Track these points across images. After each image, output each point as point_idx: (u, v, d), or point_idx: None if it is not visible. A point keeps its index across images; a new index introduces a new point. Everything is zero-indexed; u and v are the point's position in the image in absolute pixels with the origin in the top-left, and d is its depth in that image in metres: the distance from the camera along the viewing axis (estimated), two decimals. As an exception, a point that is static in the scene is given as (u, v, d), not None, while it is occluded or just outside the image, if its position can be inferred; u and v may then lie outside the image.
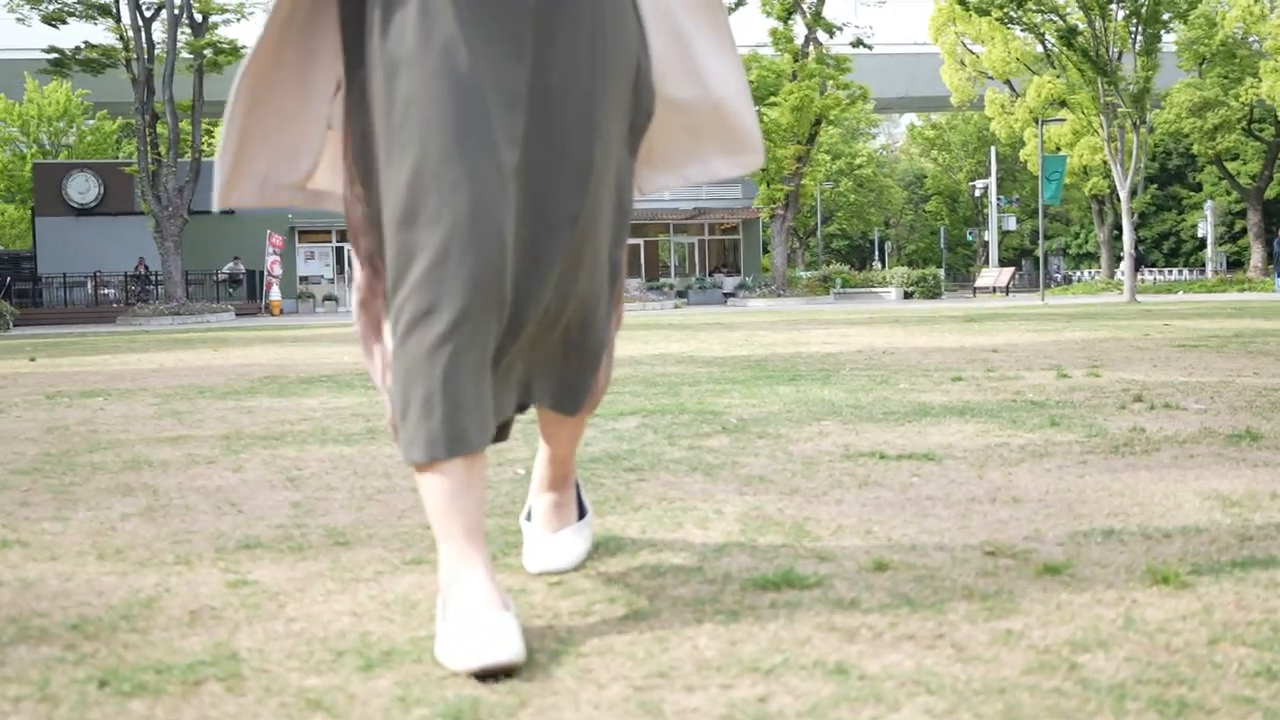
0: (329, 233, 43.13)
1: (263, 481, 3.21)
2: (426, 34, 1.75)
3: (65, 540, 2.50)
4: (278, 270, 38.97)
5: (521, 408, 1.98)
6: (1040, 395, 5.01)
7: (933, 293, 41.51)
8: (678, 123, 2.04)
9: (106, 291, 40.02)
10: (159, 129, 35.22)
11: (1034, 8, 29.80)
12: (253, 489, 3.09)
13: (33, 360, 11.00)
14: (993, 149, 57.35)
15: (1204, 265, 55.49)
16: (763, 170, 38.95)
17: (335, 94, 1.98)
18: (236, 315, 35.92)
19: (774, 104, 38.08)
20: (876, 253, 75.04)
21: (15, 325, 30.75)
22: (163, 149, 35.22)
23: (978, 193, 64.86)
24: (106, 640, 1.75)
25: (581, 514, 2.23)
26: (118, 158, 54.30)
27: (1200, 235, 57.80)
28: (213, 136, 54.94)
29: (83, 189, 41.73)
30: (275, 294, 38.49)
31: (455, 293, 1.69)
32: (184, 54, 34.85)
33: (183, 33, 34.93)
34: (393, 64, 1.77)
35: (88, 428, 4.68)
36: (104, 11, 35.22)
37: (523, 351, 1.88)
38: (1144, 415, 4.21)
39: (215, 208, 2.00)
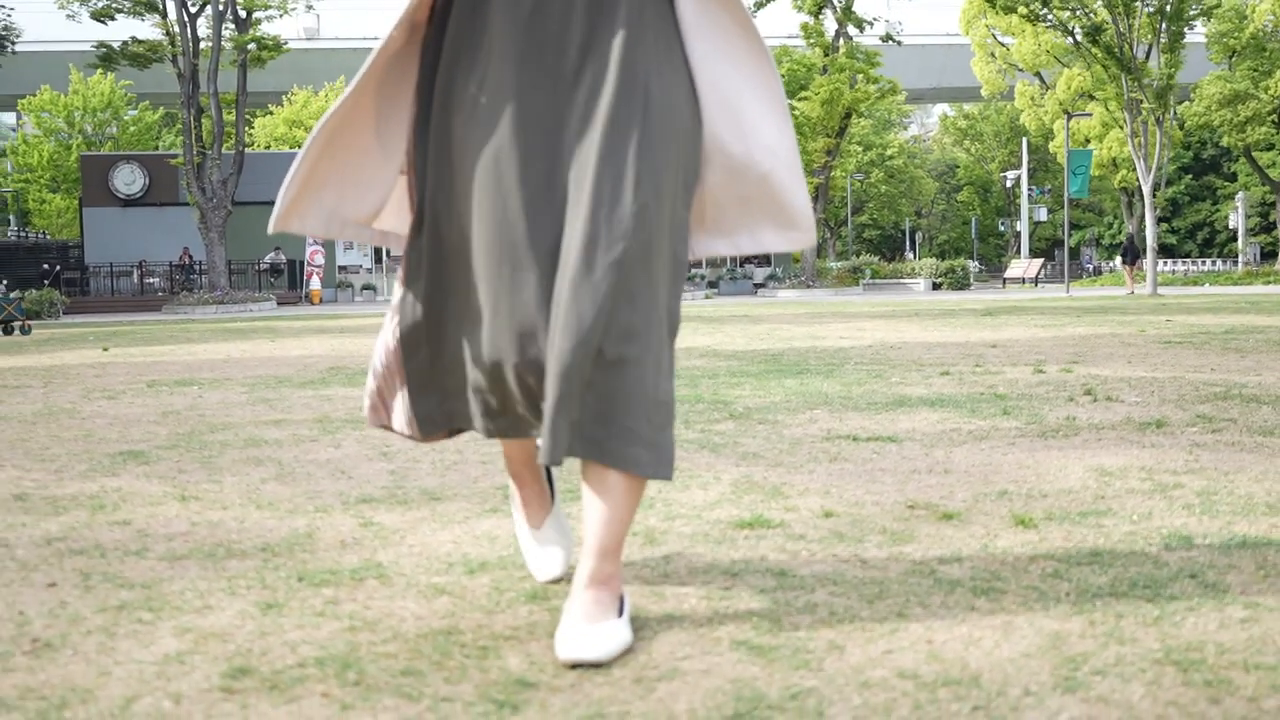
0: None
1: (360, 455, 4.04)
2: (487, 97, 1.97)
3: (226, 496, 3.33)
4: (318, 260, 40.00)
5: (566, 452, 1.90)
6: (1008, 389, 5.80)
7: (961, 284, 42.12)
8: (728, 190, 2.09)
9: (152, 280, 41.20)
10: (204, 122, 36.31)
11: (1059, 4, 30.38)
12: (355, 460, 3.92)
13: (105, 350, 11.90)
14: (1024, 140, 57.74)
15: (1236, 256, 55.80)
16: (793, 163, 39.64)
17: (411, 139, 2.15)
18: (278, 304, 36.95)
19: (804, 98, 38.75)
20: (908, 242, 75.58)
21: (65, 313, 31.87)
22: (207, 141, 36.29)
23: (1009, 183, 65.23)
24: (288, 557, 2.57)
25: (621, 609, 1.98)
26: (160, 149, 55.56)
27: (1232, 226, 58.09)
28: (253, 129, 56.13)
29: (129, 180, 42.84)
30: (315, 284, 39.53)
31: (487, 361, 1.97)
32: (228, 48, 35.85)
33: (227, 28, 35.90)
34: (449, 128, 2.00)
35: (196, 413, 5.54)
36: (150, 7, 36.23)
37: (580, 385, 1.86)
38: (1084, 407, 4.99)
39: (271, 230, 2.15)
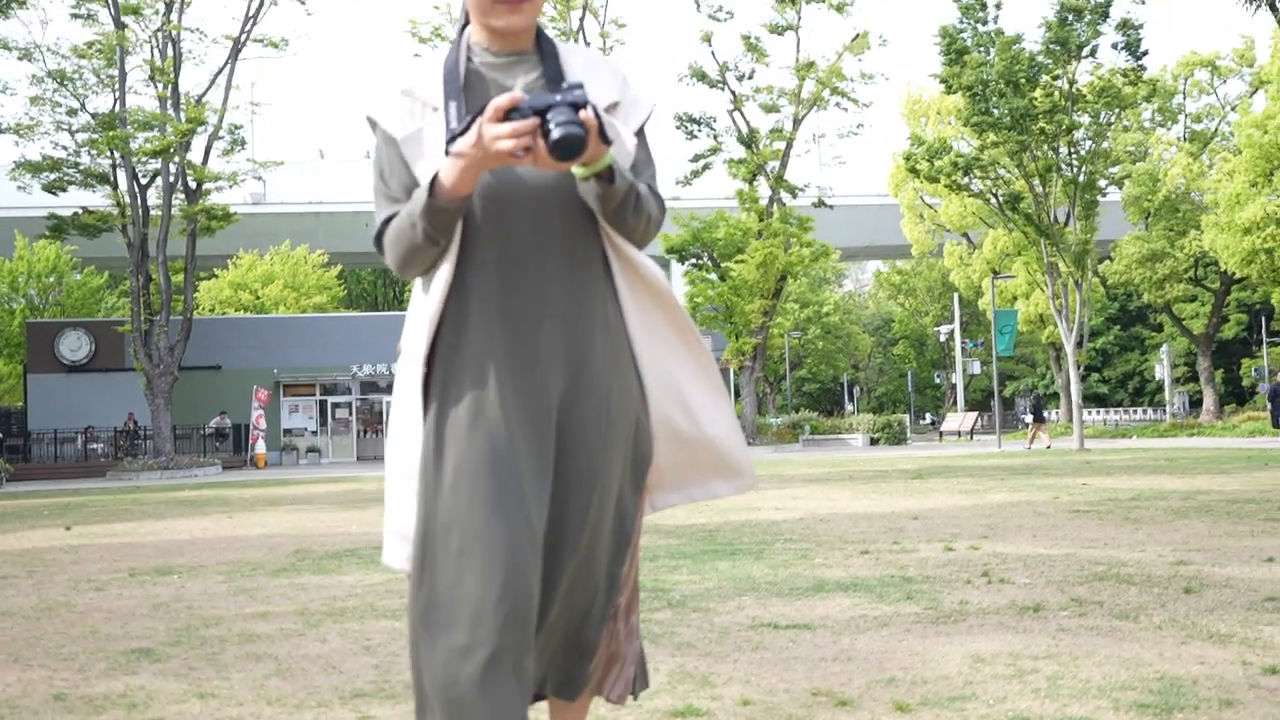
0: (313, 386, 44.66)
1: (345, 650, 4.61)
2: (474, 419, 2.24)
3: (238, 693, 3.90)
4: (263, 424, 40.39)
5: (536, 698, 2.35)
6: (918, 569, 6.49)
7: (898, 439, 43.17)
8: (681, 455, 2.46)
9: (95, 446, 41.32)
10: (150, 288, 36.94)
11: (980, 174, 32.02)
12: (342, 655, 4.50)
13: (68, 529, 12.32)
14: (956, 295, 59.58)
15: (1165, 406, 57.53)
16: (730, 322, 41.04)
17: None
18: (223, 469, 37.21)
19: (741, 260, 40.08)
20: (846, 395, 77.07)
21: (9, 480, 31.94)
22: (155, 309, 36.89)
23: (943, 337, 67.07)
24: (305, 750, 3.16)
25: None
26: (104, 311, 55.96)
27: (1159, 378, 59.95)
28: (197, 292, 56.72)
29: (75, 347, 43.24)
30: (260, 447, 39.87)
31: (493, 630, 2.11)
32: (178, 218, 36.66)
33: (177, 198, 36.77)
34: (443, 440, 2.25)
35: (184, 605, 6.08)
36: (102, 180, 37.13)
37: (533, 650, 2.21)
38: (978, 589, 5.68)
39: (387, 564, 2.36)
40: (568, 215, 2.30)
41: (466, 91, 2.34)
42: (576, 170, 2.19)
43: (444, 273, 2.28)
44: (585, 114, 2.07)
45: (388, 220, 2.31)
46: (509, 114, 2.08)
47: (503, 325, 2.28)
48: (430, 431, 2.27)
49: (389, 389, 42.03)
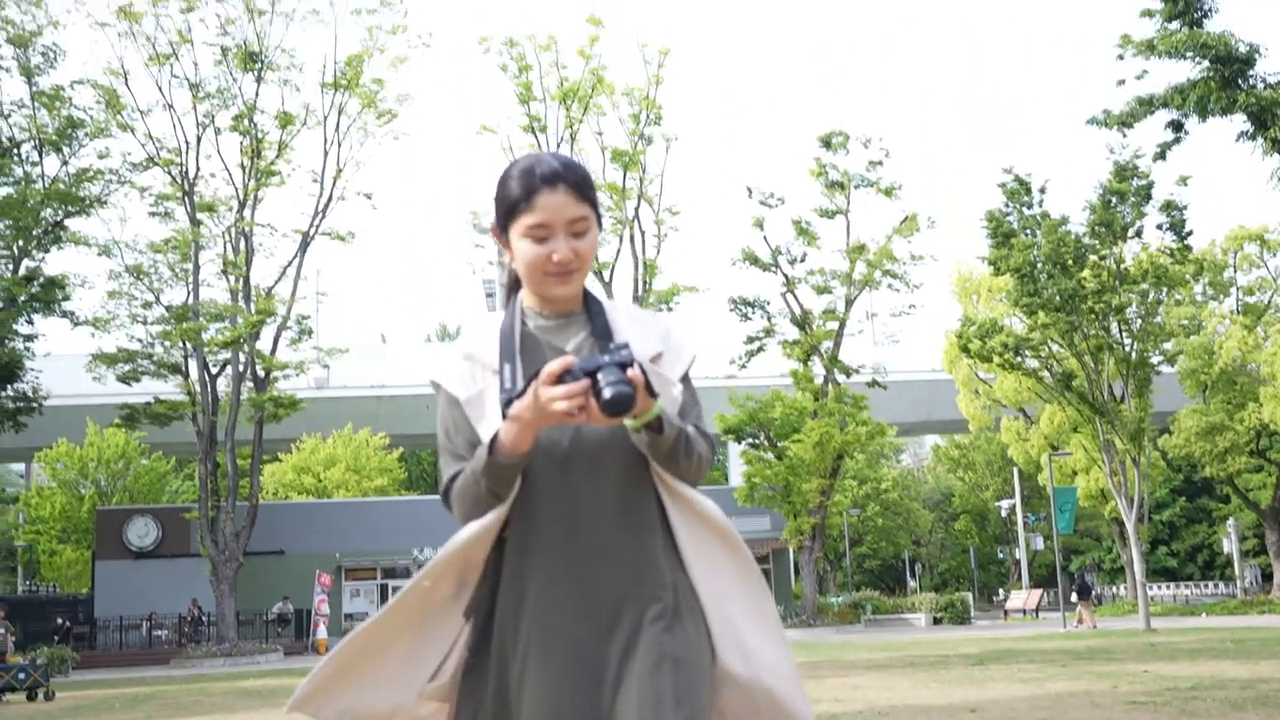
0: (374, 570, 45.02)
1: None
2: (534, 681, 2.35)
3: None
4: (325, 609, 40.62)
5: None
6: (971, 770, 6.63)
7: (961, 618, 42.60)
8: (735, 699, 2.43)
9: (160, 633, 41.68)
10: (219, 476, 37.77)
11: (1032, 353, 32.34)
12: None
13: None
14: (1015, 469, 59.20)
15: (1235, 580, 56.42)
16: (788, 502, 41.04)
17: (434, 675, 2.47)
18: (285, 654, 37.36)
19: (797, 440, 40.32)
20: (908, 572, 76.07)
21: (74, 669, 32.26)
22: (222, 495, 37.63)
23: (1004, 512, 66.37)
24: None
25: None
26: (168, 496, 56.94)
27: (1227, 552, 58.87)
28: (261, 475, 57.58)
29: (142, 533, 44.01)
30: (322, 632, 40.01)
31: None
32: (245, 406, 37.67)
33: (245, 387, 37.85)
34: (505, 698, 2.37)
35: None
36: (174, 369, 38.28)
37: None
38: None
39: (287, 711, 2.47)
40: (622, 464, 2.45)
41: (522, 353, 2.51)
42: (628, 422, 2.35)
43: (495, 513, 2.40)
44: (632, 372, 2.25)
45: (454, 477, 2.46)
46: (561, 377, 2.26)
47: (565, 577, 2.39)
48: (492, 694, 2.39)
49: (449, 572, 42.24)
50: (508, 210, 2.51)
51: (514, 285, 2.65)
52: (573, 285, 2.53)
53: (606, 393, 2.22)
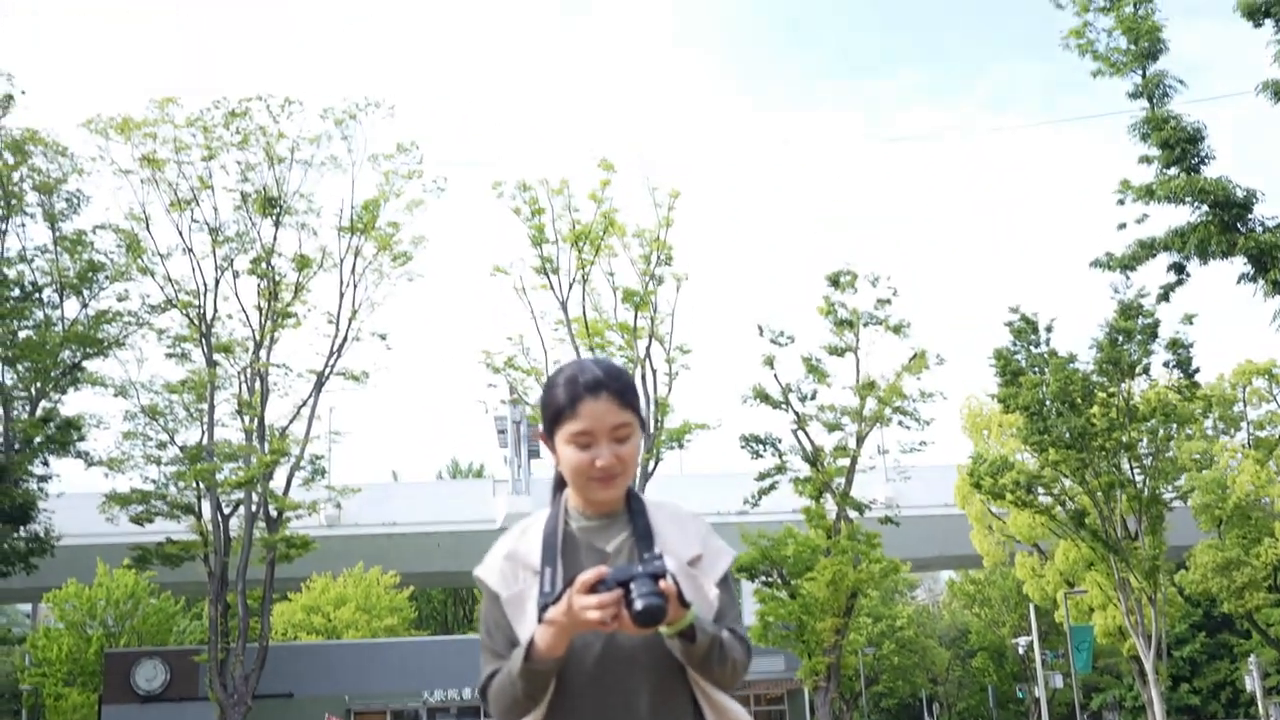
0: (384, 713, 44.42)
1: None
2: None
3: None
4: (331, 753, 40.03)
5: None
6: None
7: (979, 761, 41.77)
8: None
9: (167, 780, 41.02)
10: (229, 617, 37.54)
11: (1044, 489, 32.32)
12: None
13: None
14: (1031, 606, 58.51)
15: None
16: (802, 641, 40.51)
17: None
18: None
19: (810, 579, 40.01)
20: (925, 710, 74.70)
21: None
22: (232, 637, 37.34)
23: (1022, 649, 65.37)
24: None
25: None
26: (175, 636, 56.28)
27: (1250, 689, 57.77)
28: (270, 615, 57.04)
29: (150, 676, 43.52)
30: (332, 777, 39.41)
31: None
32: (257, 546, 37.62)
33: (258, 527, 37.83)
34: None
35: None
36: (187, 510, 38.30)
37: None
38: None
39: None
40: (656, 670, 2.54)
41: (564, 554, 2.62)
42: (662, 629, 2.43)
43: (531, 717, 2.50)
44: (665, 583, 2.34)
45: (491, 675, 2.56)
46: (595, 586, 2.35)
47: None
48: None
49: (459, 715, 41.73)
50: (553, 416, 2.65)
51: (559, 485, 2.77)
52: (615, 489, 2.65)
53: (638, 604, 2.31)
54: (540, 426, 2.74)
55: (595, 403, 2.61)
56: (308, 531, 39.85)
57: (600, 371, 2.66)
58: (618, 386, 2.64)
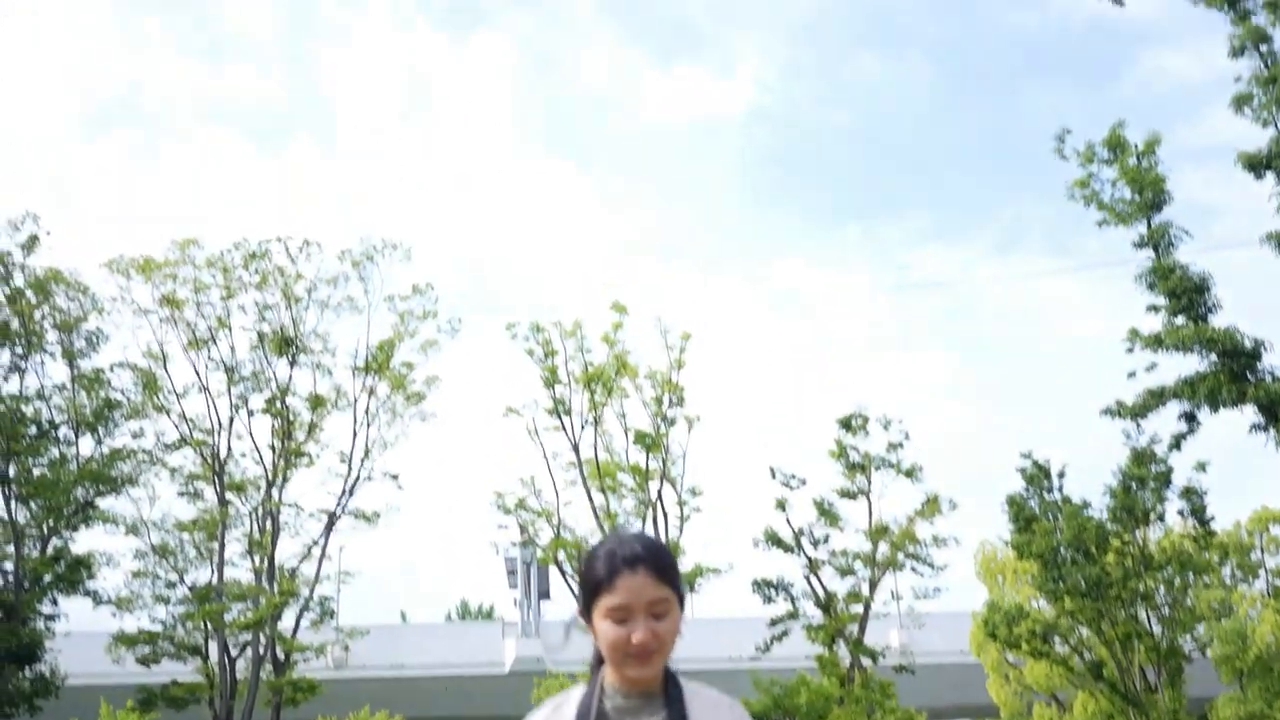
0: None
1: None
2: None
3: None
4: None
5: None
6: None
7: None
8: None
9: None
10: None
11: (1062, 638, 31.86)
12: None
13: None
14: (1052, 758, 57.17)
15: None
16: (820, 792, 39.54)
17: None
18: None
19: (824, 726, 39.27)
20: None
21: None
22: (236, 785, 36.62)
23: (1043, 801, 63.68)
24: None
25: None
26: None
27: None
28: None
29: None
30: None
31: None
32: (264, 689, 37.11)
33: (265, 670, 37.38)
34: None
35: None
36: (194, 651, 37.90)
37: None
38: None
39: None
40: None
41: None
42: None
43: None
44: None
45: None
46: None
47: None
48: None
49: None
50: (591, 590, 2.66)
51: (598, 662, 2.78)
52: (652, 666, 2.65)
53: None
54: (579, 604, 2.75)
55: (633, 577, 2.62)
56: (314, 674, 39.27)
57: (639, 546, 2.67)
58: (656, 562, 2.65)
